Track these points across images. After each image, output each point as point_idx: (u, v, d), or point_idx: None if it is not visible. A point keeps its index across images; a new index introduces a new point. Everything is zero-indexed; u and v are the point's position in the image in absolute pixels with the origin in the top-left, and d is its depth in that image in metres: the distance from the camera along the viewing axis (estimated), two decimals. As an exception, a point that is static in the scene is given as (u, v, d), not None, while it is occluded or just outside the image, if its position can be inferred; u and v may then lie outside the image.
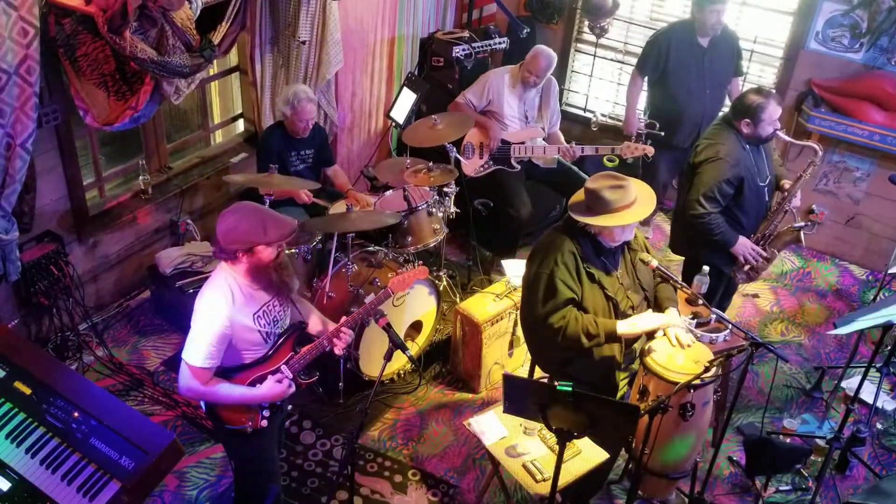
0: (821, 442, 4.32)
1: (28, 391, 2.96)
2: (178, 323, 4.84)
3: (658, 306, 3.74)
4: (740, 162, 4.18)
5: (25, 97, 3.82)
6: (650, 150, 5.14)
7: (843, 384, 4.77)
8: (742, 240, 4.32)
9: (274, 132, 4.88)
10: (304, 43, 5.07)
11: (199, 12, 4.02)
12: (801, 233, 4.32)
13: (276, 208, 4.44)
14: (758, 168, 4.26)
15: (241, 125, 5.75)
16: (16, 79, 3.76)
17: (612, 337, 3.54)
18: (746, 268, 4.42)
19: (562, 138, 5.55)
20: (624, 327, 3.53)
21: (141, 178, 4.85)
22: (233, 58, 5.39)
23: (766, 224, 4.37)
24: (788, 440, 4.32)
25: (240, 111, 5.69)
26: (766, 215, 4.39)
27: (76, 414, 2.88)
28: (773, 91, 4.32)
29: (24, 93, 3.81)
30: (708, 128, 4.49)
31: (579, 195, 3.60)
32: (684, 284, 3.74)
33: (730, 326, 3.82)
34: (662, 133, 5.28)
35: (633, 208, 3.49)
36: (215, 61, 4.61)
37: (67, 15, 3.81)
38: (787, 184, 4.39)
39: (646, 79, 5.61)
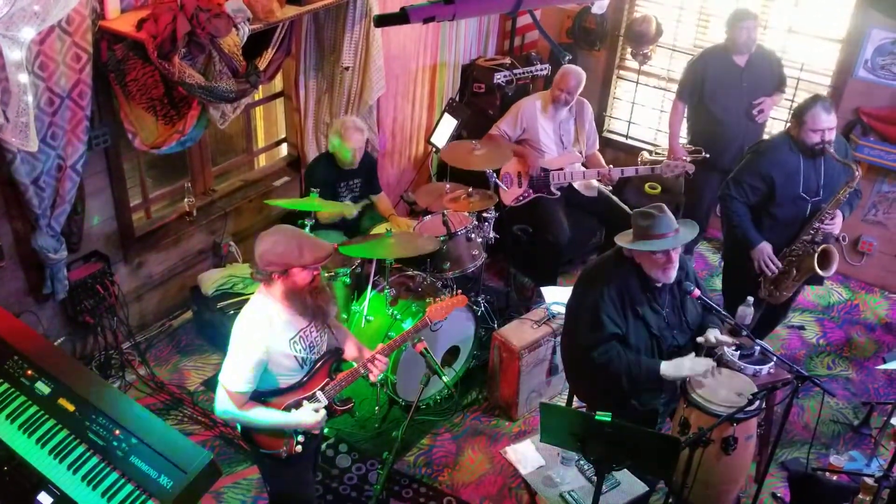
0: (869, 480, 4.17)
1: (71, 408, 3.00)
2: (218, 343, 4.88)
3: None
4: (779, 163, 4.18)
5: (77, 120, 3.94)
6: (690, 168, 5.09)
7: (893, 420, 4.61)
8: (763, 245, 4.28)
9: (321, 162, 4.92)
10: (347, 69, 5.13)
11: (245, 39, 4.09)
12: (817, 266, 4.21)
13: (315, 232, 4.49)
14: (804, 179, 4.21)
15: (284, 149, 5.83)
16: (68, 102, 3.87)
17: (655, 379, 3.49)
18: (767, 283, 4.37)
19: (601, 160, 5.51)
20: (667, 369, 3.48)
21: (186, 200, 4.94)
22: (277, 83, 5.48)
23: (795, 241, 4.32)
24: (835, 477, 4.19)
25: (283, 136, 5.78)
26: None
27: (117, 432, 2.91)
28: (830, 103, 4.18)
29: (76, 116, 3.93)
30: None
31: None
32: (727, 315, 3.68)
33: (774, 359, 3.74)
34: (708, 156, 5.21)
35: (670, 237, 3.45)
36: (260, 87, 4.69)
37: (119, 41, 3.92)
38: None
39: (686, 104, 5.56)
